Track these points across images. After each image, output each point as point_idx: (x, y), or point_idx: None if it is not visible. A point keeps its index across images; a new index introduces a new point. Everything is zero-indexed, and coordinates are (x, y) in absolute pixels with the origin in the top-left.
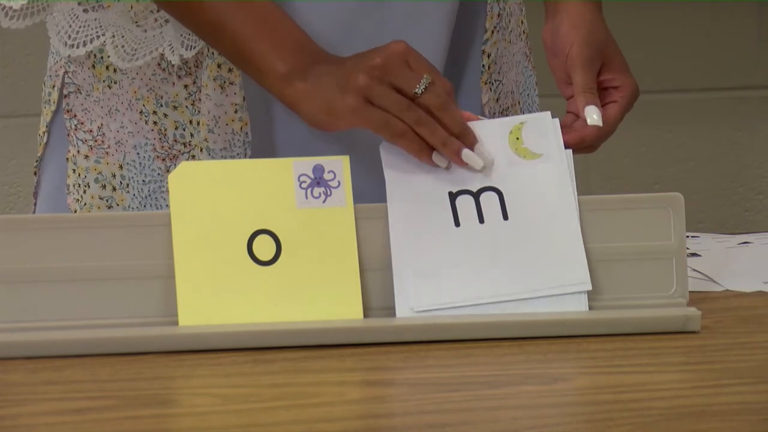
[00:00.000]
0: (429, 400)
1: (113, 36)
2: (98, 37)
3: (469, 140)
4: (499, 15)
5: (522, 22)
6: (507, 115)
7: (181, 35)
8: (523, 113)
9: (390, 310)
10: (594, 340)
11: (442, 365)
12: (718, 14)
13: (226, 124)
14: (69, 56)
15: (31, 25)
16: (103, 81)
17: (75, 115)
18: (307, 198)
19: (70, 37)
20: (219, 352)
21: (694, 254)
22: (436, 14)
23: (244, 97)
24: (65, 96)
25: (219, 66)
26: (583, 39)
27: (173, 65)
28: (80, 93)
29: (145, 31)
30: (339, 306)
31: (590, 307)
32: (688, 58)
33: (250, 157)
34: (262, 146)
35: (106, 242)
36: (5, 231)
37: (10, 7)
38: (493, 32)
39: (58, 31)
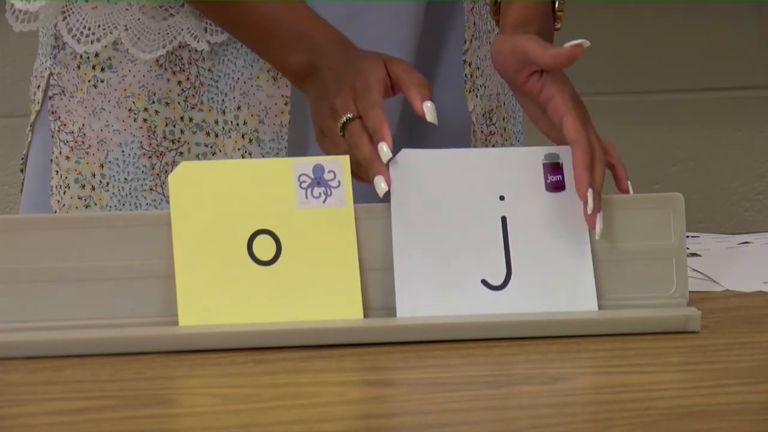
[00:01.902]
0: (429, 400)
1: (126, 29)
2: (111, 32)
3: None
4: (475, 23)
5: None
6: (491, 118)
7: (204, 22)
8: (507, 114)
9: (390, 310)
10: (594, 340)
11: (442, 365)
12: (718, 14)
13: (275, 116)
14: (61, 56)
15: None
16: (88, 81)
17: (59, 117)
18: (307, 198)
19: (83, 34)
20: (219, 352)
21: (694, 254)
22: (407, 26)
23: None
24: (50, 98)
25: None
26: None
27: (170, 61)
28: (65, 95)
29: (157, 21)
30: (339, 306)
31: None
32: (688, 58)
33: (288, 152)
34: (298, 141)
35: (106, 242)
36: (5, 231)
37: (20, 11)
38: (472, 41)
39: (70, 29)
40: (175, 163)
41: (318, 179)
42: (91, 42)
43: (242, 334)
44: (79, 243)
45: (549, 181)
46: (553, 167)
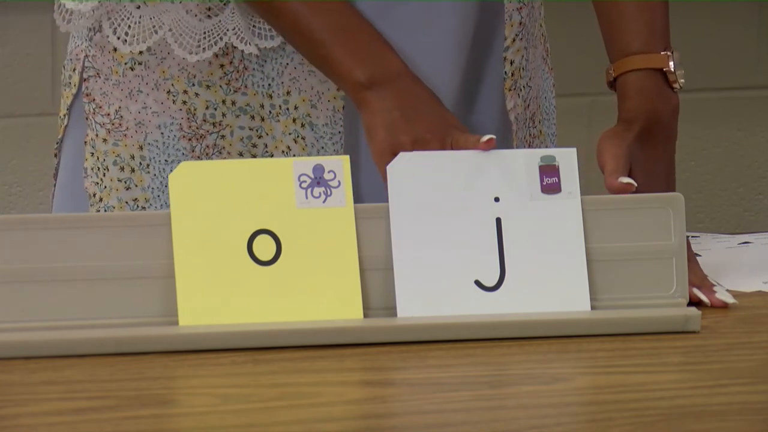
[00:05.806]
0: (429, 400)
1: (171, 29)
2: (156, 32)
3: None
4: (521, 23)
5: (540, 26)
6: (534, 121)
7: (251, 21)
8: (542, 116)
9: (390, 310)
10: (594, 340)
11: (442, 365)
12: (718, 14)
13: (328, 101)
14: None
15: (32, 26)
16: (125, 64)
17: (94, 99)
18: (307, 198)
19: (127, 34)
20: (219, 352)
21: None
22: (448, 19)
23: None
24: (85, 80)
25: None
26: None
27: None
28: (99, 77)
29: (201, 21)
30: (339, 306)
31: (590, 307)
32: (688, 58)
33: (344, 136)
34: (353, 126)
35: (106, 242)
36: (5, 231)
37: (69, 10)
38: (514, 40)
39: (115, 30)
40: (216, 146)
41: (318, 179)
42: (137, 42)
43: (242, 334)
44: (79, 243)
45: (544, 183)
46: (549, 169)
